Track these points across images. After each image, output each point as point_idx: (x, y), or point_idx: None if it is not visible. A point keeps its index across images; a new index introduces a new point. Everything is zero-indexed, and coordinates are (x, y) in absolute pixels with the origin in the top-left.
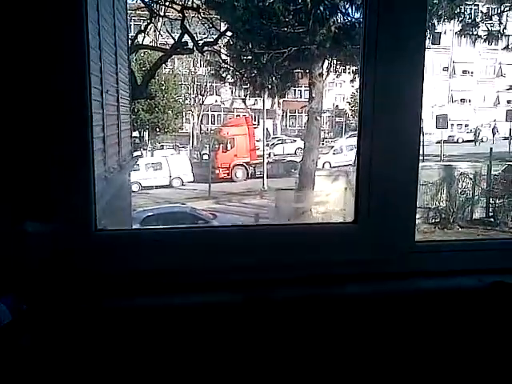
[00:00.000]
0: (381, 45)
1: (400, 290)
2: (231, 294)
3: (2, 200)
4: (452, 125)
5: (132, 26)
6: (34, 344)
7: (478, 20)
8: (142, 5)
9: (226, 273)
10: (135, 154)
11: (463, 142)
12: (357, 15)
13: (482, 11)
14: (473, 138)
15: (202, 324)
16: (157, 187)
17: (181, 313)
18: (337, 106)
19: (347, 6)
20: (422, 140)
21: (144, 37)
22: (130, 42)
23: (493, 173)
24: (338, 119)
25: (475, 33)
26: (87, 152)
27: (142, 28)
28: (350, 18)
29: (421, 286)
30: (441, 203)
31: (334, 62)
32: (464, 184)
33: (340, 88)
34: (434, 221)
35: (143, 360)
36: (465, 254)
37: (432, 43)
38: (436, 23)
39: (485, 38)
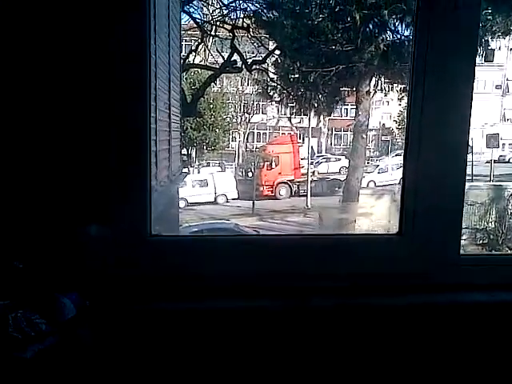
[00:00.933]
0: (430, 63)
1: (443, 303)
2: (274, 300)
3: (69, 206)
4: (503, 144)
5: (184, 46)
6: (93, 338)
7: None
8: (194, 25)
9: (271, 279)
10: (183, 170)
11: None
12: (406, 33)
13: None
14: None
15: (243, 328)
16: (202, 203)
17: (224, 317)
18: (383, 124)
19: (397, 24)
20: (471, 159)
21: (195, 56)
22: (181, 60)
23: None
24: (384, 138)
25: None
26: (145, 163)
27: (194, 47)
28: (399, 36)
29: (465, 299)
30: (489, 224)
31: (382, 79)
32: None
33: (387, 106)
34: (481, 242)
35: (186, 362)
36: (509, 268)
37: (485, 60)
38: (490, 39)
39: None
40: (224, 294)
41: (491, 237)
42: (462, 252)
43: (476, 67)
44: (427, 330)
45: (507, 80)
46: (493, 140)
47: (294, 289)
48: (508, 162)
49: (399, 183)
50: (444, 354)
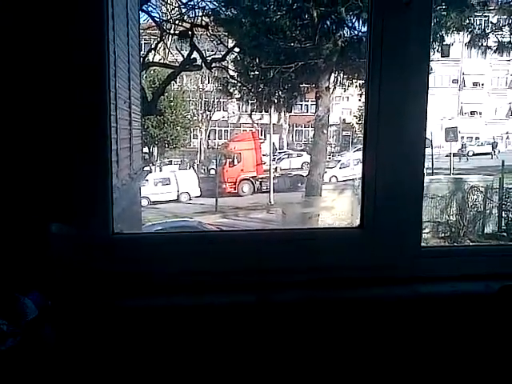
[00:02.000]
0: (385, 58)
1: (405, 295)
2: (238, 295)
3: (29, 204)
4: (462, 137)
5: (143, 45)
6: (56, 338)
7: (487, 31)
8: (153, 24)
9: (235, 275)
10: (145, 168)
11: (473, 154)
12: (363, 29)
13: (491, 22)
14: (483, 151)
15: (209, 324)
16: (165, 202)
17: (189, 313)
18: (344, 119)
19: (353, 20)
20: (431, 153)
21: (154, 54)
22: (141, 59)
23: (505, 186)
24: (344, 133)
25: (485, 44)
26: (106, 162)
27: (153, 46)
28: (356, 32)
29: (426, 291)
30: (450, 217)
31: (341, 75)
32: (475, 197)
33: (347, 102)
34: (443, 235)
35: (152, 358)
36: (471, 259)
37: (441, 55)
38: (444, 35)
39: (495, 48)
40: (188, 290)
41: (453, 229)
42: (423, 245)
43: (433, 62)
44: (389, 322)
45: (463, 74)
46: (451, 133)
47: (256, 284)
48: (467, 155)
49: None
50: (406, 345)
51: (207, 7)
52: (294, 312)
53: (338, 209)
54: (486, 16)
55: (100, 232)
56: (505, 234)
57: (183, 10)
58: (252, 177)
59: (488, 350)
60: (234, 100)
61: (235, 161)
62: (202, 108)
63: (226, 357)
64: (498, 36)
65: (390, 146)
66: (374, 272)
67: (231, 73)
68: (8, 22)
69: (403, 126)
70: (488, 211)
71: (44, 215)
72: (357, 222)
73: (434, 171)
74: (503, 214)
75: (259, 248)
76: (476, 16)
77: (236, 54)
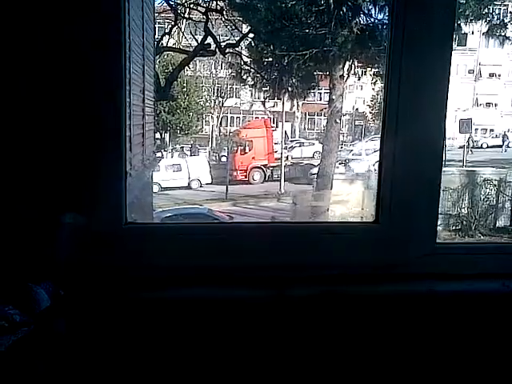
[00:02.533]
0: (407, 45)
1: (420, 292)
2: (251, 290)
3: (40, 192)
4: (476, 129)
5: (157, 29)
6: (68, 328)
7: (506, 21)
8: (168, 7)
9: (248, 269)
10: (157, 154)
11: (488, 147)
12: (380, 16)
13: (511, 12)
14: (497, 144)
15: (221, 318)
16: (176, 188)
17: (201, 306)
18: (357, 108)
19: (370, 7)
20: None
21: (168, 39)
22: (155, 43)
23: None
24: (357, 122)
25: (503, 34)
26: (120, 149)
27: (167, 30)
28: (372, 20)
29: (441, 288)
30: (462, 210)
31: (356, 64)
32: (487, 191)
33: (360, 91)
34: (454, 228)
35: (164, 351)
36: (487, 257)
37: (458, 45)
38: (463, 24)
39: None
40: (201, 283)
41: (464, 223)
42: (438, 241)
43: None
44: (403, 319)
45: (480, 65)
46: (465, 125)
47: (270, 278)
48: (481, 147)
49: (373, 167)
50: (420, 344)
51: None
52: (307, 307)
53: (348, 199)
54: (505, 5)
55: (113, 221)
56: None
57: None
58: (263, 165)
59: (503, 349)
60: (247, 87)
61: (246, 148)
62: (215, 94)
63: (239, 352)
64: None
65: (408, 137)
66: (389, 268)
67: (245, 59)
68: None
69: (423, 117)
70: (500, 205)
71: (56, 204)
72: (366, 213)
73: (447, 163)
74: None
75: (272, 241)
76: (495, 5)
77: (250, 39)
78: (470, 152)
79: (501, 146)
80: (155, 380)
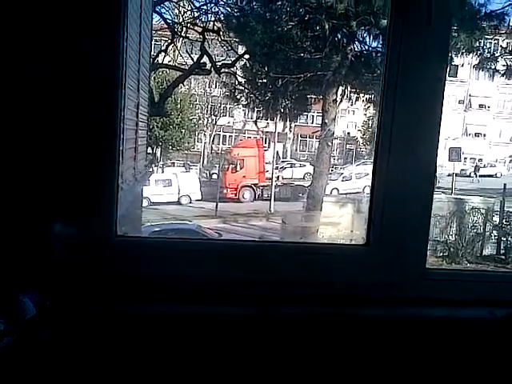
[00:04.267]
0: (401, 73)
1: (407, 316)
2: (239, 307)
3: (32, 202)
4: (465, 158)
5: (153, 45)
6: (54, 337)
7: (497, 54)
8: (165, 25)
9: (237, 286)
10: (148, 169)
11: (476, 176)
12: (374, 44)
13: (501, 46)
14: (487, 173)
15: (208, 335)
16: (165, 203)
17: (188, 322)
18: (348, 133)
19: (365, 35)
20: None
21: (164, 56)
22: (151, 60)
23: (506, 209)
24: (348, 146)
25: (494, 67)
26: (113, 163)
27: (164, 48)
28: (366, 47)
29: (429, 313)
30: (450, 237)
31: (349, 89)
32: (475, 219)
33: (353, 115)
34: (442, 254)
35: (147, 366)
36: (476, 284)
37: (449, 75)
38: (454, 56)
39: (503, 72)
40: (188, 299)
41: (451, 249)
42: (428, 266)
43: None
44: (390, 342)
45: (470, 96)
46: (455, 153)
47: (257, 296)
48: (469, 176)
49: (362, 191)
50: (405, 367)
51: (220, 12)
52: (294, 327)
53: (338, 221)
54: (496, 40)
55: (103, 234)
56: (503, 256)
57: (196, 14)
58: (254, 184)
59: (488, 377)
60: (241, 106)
61: (238, 167)
62: (208, 112)
63: (224, 369)
64: (507, 60)
65: (401, 161)
66: (377, 291)
67: (239, 79)
68: (24, 20)
69: (415, 145)
70: (488, 233)
71: (47, 214)
72: (356, 236)
73: (436, 190)
74: (502, 238)
75: (261, 259)
76: (486, 39)
77: (245, 60)
78: (475, 180)
79: (491, 176)
80: None
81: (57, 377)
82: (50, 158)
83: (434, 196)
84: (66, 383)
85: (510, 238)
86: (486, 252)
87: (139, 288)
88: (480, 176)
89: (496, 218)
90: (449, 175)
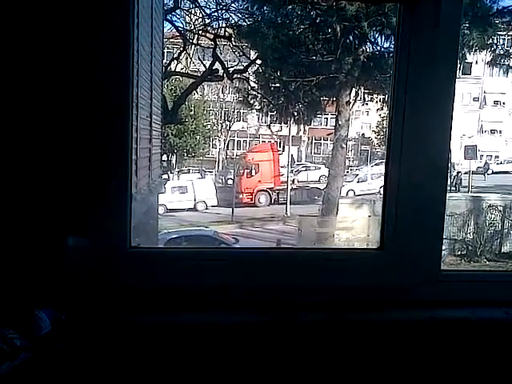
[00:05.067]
0: (411, 73)
1: (423, 319)
2: (255, 315)
3: (45, 216)
4: (481, 156)
5: (165, 54)
6: (69, 353)
7: (510, 50)
8: (177, 33)
9: (252, 294)
10: (163, 177)
11: (493, 173)
12: (386, 45)
13: None
14: (503, 170)
15: (224, 343)
16: (182, 210)
17: (204, 331)
18: (363, 134)
19: (376, 36)
20: (449, 170)
21: (177, 64)
22: (163, 68)
23: None
24: (363, 147)
25: (507, 63)
26: (125, 172)
27: (176, 55)
28: (379, 48)
29: (445, 315)
30: (468, 235)
31: (362, 90)
32: (492, 216)
33: (366, 116)
34: (460, 253)
35: (165, 376)
36: (491, 284)
37: (462, 73)
38: (467, 53)
39: None
40: (204, 307)
41: (469, 248)
42: (443, 268)
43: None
44: (406, 346)
45: (484, 93)
46: (471, 151)
47: (275, 303)
48: (486, 173)
49: (378, 193)
50: (421, 371)
51: (231, 19)
52: (309, 334)
53: (354, 225)
54: (509, 36)
55: (117, 246)
56: None
57: (207, 21)
58: (269, 188)
59: (504, 378)
60: (254, 111)
61: (253, 171)
62: (222, 118)
63: (242, 376)
64: None
65: (413, 163)
66: (392, 294)
67: (252, 84)
68: (33, 34)
69: (427, 145)
70: (506, 230)
71: (60, 228)
72: (372, 239)
73: (453, 189)
74: None
75: (277, 267)
76: (499, 35)
77: (258, 65)
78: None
79: (508, 173)
80: None
81: None
82: (62, 171)
83: (451, 195)
84: None
85: None
86: (505, 249)
87: (154, 299)
88: (496, 173)
89: None
90: (465, 173)
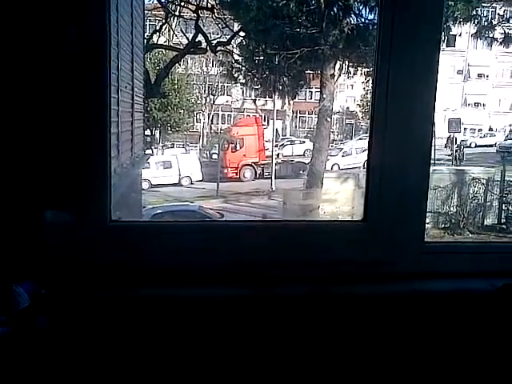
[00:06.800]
0: (395, 45)
1: (407, 292)
2: (238, 288)
3: (23, 190)
4: (465, 129)
5: (147, 26)
6: (49, 327)
7: (494, 22)
8: (158, 5)
9: (234, 267)
10: (146, 151)
11: (476, 146)
12: (370, 16)
13: (499, 13)
14: (487, 143)
15: (207, 317)
16: (166, 185)
17: (187, 305)
18: (347, 107)
19: (361, 8)
20: (433, 143)
21: (159, 36)
22: (145, 41)
23: (507, 178)
24: (348, 121)
25: (491, 35)
26: (104, 146)
27: (158, 28)
28: (363, 20)
29: (429, 287)
30: (451, 208)
31: (346, 63)
32: (476, 189)
33: (351, 90)
34: (443, 226)
35: (147, 351)
36: (475, 256)
37: (447, 45)
38: (451, 25)
39: (501, 40)
40: (187, 281)
41: (453, 221)
42: (427, 240)
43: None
44: (390, 319)
45: (468, 65)
46: (454, 124)
47: (255, 277)
48: (469, 146)
49: (363, 166)
50: (406, 343)
51: None
52: (293, 307)
53: (338, 198)
54: (493, 7)
55: (97, 220)
56: (504, 226)
57: None
58: (254, 162)
59: (489, 348)
60: (238, 85)
61: (237, 146)
62: (206, 92)
63: (224, 351)
64: (505, 28)
65: (396, 136)
66: (376, 267)
67: (236, 57)
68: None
69: (411, 118)
70: (488, 203)
71: (39, 202)
72: (356, 211)
73: (436, 162)
74: (503, 207)
75: (261, 239)
76: (483, 7)
77: (241, 38)
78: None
79: (491, 146)
80: (138, 378)
81: (55, 364)
82: (40, 145)
83: (435, 168)
84: (64, 370)
85: (510, 208)
86: (488, 222)
87: (135, 273)
88: (479, 146)
89: (497, 188)
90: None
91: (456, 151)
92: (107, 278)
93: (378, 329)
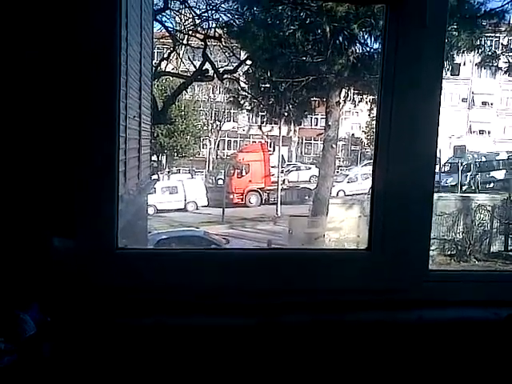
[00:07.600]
0: (398, 74)
1: (411, 320)
2: (243, 318)
3: (31, 216)
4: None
5: (155, 53)
6: (54, 355)
7: (498, 52)
8: (167, 33)
9: (239, 295)
10: (153, 177)
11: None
12: (375, 45)
13: (502, 43)
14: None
15: (213, 345)
16: (172, 210)
17: (191, 334)
18: (353, 134)
19: (366, 37)
20: (438, 170)
21: (167, 64)
22: (153, 68)
23: None
24: (353, 148)
25: (495, 64)
26: (113, 174)
27: (166, 55)
28: (368, 49)
29: (433, 315)
30: (457, 235)
31: (352, 91)
32: (482, 216)
33: (356, 117)
34: (449, 253)
35: (150, 379)
36: (479, 284)
37: (451, 74)
38: (455, 55)
39: (505, 69)
40: (192, 309)
41: (459, 247)
42: (430, 262)
43: (443, 80)
44: (394, 347)
45: (473, 93)
46: (459, 151)
47: (260, 305)
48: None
49: (368, 193)
50: (410, 372)
51: (221, 19)
52: (297, 334)
53: (343, 226)
54: (496, 37)
55: (104, 247)
56: (511, 253)
57: (197, 22)
58: (260, 188)
59: (492, 378)
60: (245, 111)
61: (243, 172)
62: (213, 118)
63: (225, 379)
64: (509, 57)
65: (400, 164)
66: (381, 295)
67: (242, 85)
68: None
69: (414, 145)
70: (495, 230)
71: (46, 228)
72: (362, 239)
73: (441, 189)
74: (510, 234)
75: (266, 267)
76: (487, 37)
77: (248, 66)
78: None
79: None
80: None
81: None
82: (48, 172)
83: (441, 194)
84: None
85: None
86: (494, 249)
87: (141, 300)
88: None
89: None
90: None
91: (472, 178)
92: (113, 305)
93: (382, 357)
